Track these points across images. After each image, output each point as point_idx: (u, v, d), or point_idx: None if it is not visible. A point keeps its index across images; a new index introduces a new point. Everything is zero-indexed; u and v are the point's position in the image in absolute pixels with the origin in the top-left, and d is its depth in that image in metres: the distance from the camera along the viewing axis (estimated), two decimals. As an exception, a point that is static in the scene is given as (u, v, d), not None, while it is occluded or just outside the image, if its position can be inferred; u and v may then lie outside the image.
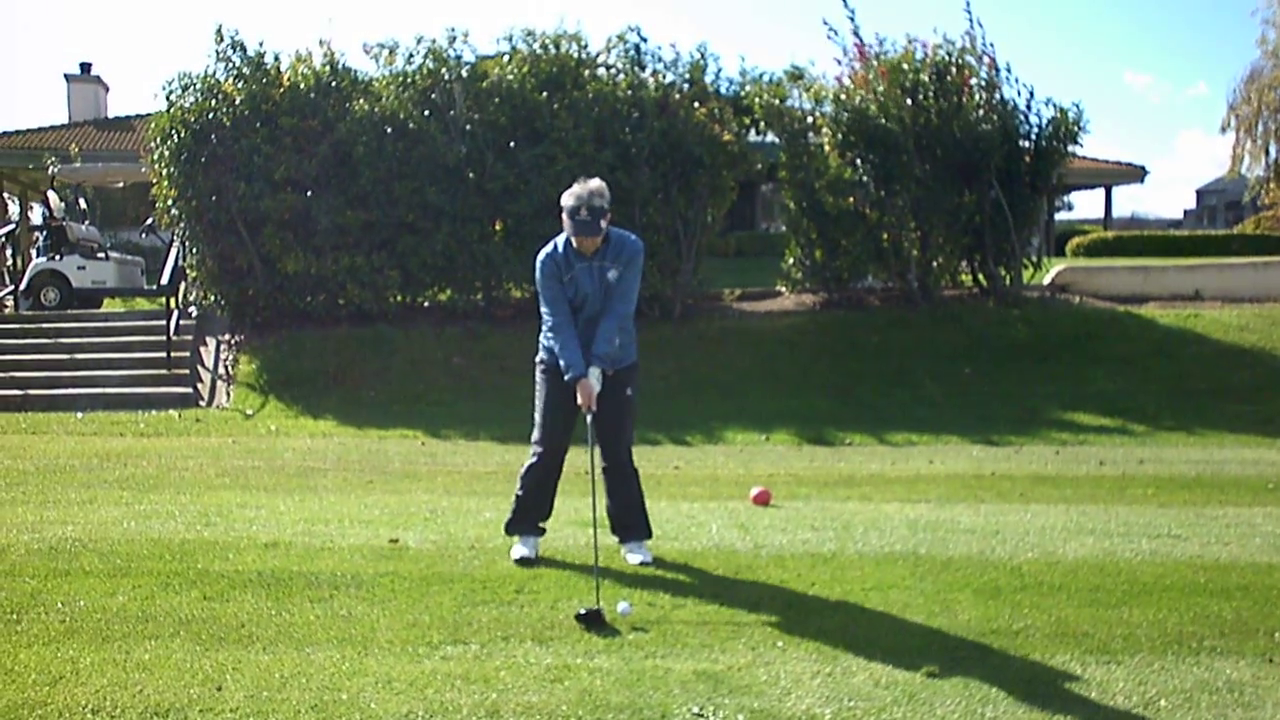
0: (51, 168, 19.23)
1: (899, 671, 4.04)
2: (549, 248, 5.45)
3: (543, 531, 5.73)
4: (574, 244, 5.35)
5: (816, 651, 4.26)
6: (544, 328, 5.50)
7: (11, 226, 21.24)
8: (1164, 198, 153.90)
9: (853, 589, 5.16)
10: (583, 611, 4.55)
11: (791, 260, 16.29)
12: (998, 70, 15.93)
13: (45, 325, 15.62)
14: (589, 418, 5.35)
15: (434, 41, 15.08)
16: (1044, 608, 4.86)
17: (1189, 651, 4.30)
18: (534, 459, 5.62)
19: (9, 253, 19.46)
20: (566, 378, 5.31)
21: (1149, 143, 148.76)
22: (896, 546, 6.07)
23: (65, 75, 30.78)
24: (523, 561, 5.52)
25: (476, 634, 4.43)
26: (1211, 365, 14.05)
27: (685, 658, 4.18)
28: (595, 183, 5.26)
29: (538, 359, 5.64)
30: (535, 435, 5.63)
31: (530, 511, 5.67)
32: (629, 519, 5.67)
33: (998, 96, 15.87)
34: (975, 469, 9.47)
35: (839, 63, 16.30)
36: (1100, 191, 33.95)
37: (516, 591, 5.02)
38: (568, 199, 5.27)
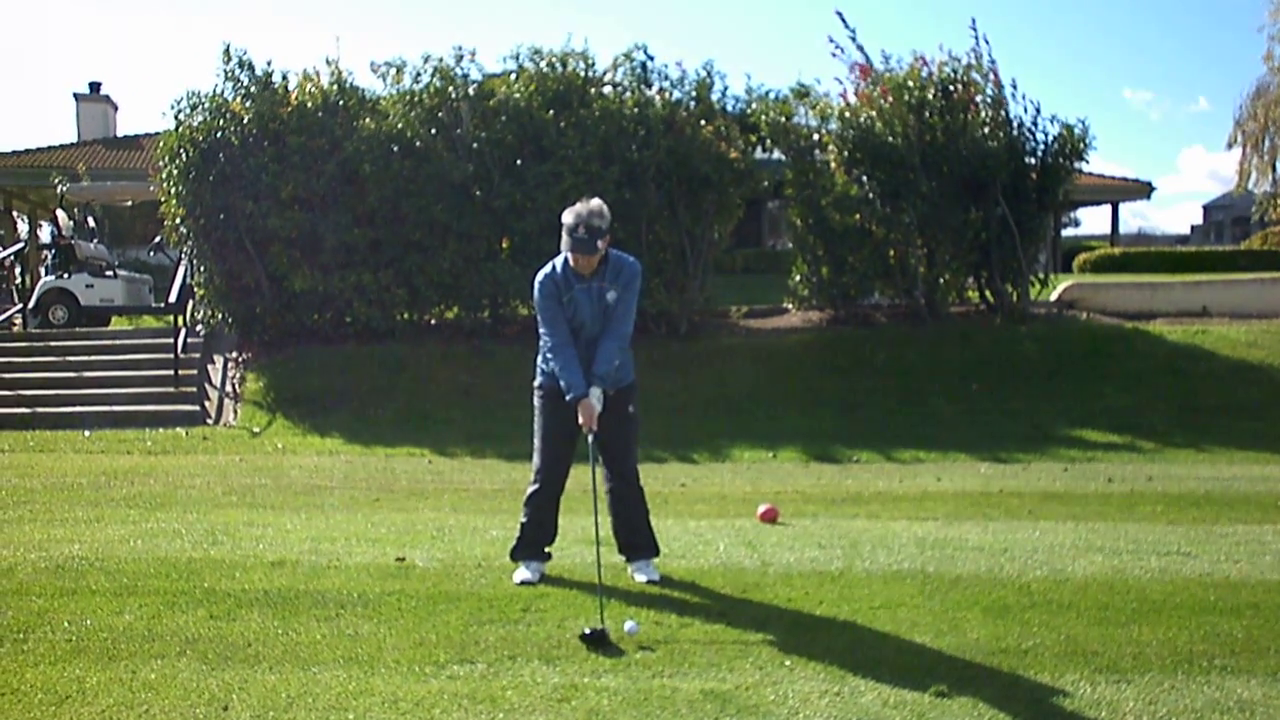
0: (60, 186, 19.33)
1: (907, 691, 4.02)
2: (547, 268, 5.45)
3: (548, 556, 5.70)
4: (572, 264, 5.35)
5: (824, 671, 4.24)
6: (542, 349, 5.50)
7: (20, 245, 21.32)
8: (1170, 214, 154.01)
9: (861, 607, 5.14)
10: (587, 632, 4.54)
11: (798, 277, 16.30)
12: (1003, 87, 15.95)
13: (53, 343, 15.66)
14: (590, 438, 5.34)
15: (441, 60, 15.15)
16: (1053, 626, 4.84)
17: (1199, 670, 4.28)
18: (535, 485, 5.62)
19: (17, 271, 19.53)
20: (568, 398, 5.30)
21: (1151, 159, 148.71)
22: (904, 564, 6.04)
23: (74, 94, 31.00)
24: (526, 584, 5.50)
25: (483, 653, 4.42)
26: (1220, 382, 14.00)
27: (693, 677, 4.17)
28: (595, 202, 5.29)
29: (536, 384, 5.63)
30: (536, 462, 5.63)
31: (535, 538, 5.64)
32: (636, 538, 5.65)
33: (1004, 113, 15.89)
34: (983, 486, 9.44)
35: (839, 81, 16.38)
36: (1106, 208, 33.95)
37: (523, 610, 5.01)
38: (567, 216, 5.28)
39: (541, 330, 5.47)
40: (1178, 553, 6.41)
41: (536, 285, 5.44)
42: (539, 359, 5.59)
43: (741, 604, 5.19)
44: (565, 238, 5.29)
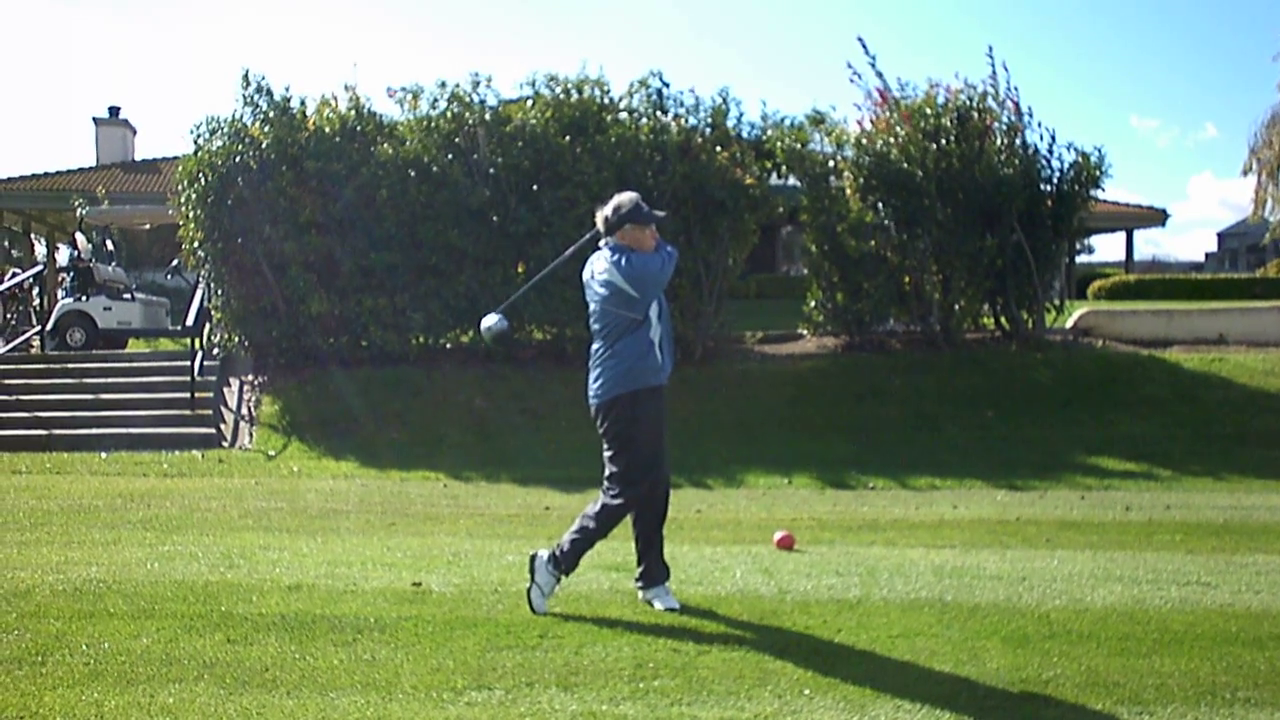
0: (79, 209, 19.51)
1: (928, 721, 3.99)
2: (630, 252, 5.43)
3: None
4: (644, 243, 5.43)
5: (844, 700, 4.21)
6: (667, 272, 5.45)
7: (39, 267, 21.48)
8: (1183, 241, 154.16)
9: (879, 636, 5.11)
10: None
11: (813, 303, 16.31)
12: (1022, 114, 15.97)
13: (70, 365, 15.73)
14: None
15: (458, 86, 15.26)
16: (1073, 656, 4.80)
17: (1222, 702, 4.23)
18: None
19: (36, 293, 19.66)
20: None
21: (1161, 186, 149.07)
22: (922, 593, 6.01)
23: (94, 118, 31.26)
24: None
25: (500, 680, 4.40)
26: (1237, 409, 13.93)
27: (711, 705, 4.14)
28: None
29: (644, 386, 5.42)
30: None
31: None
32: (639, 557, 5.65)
33: (1019, 141, 15.90)
34: (1000, 514, 9.39)
35: (859, 108, 16.43)
36: (1121, 235, 33.89)
37: (540, 636, 4.99)
38: (626, 200, 5.48)
39: (664, 270, 5.41)
40: (1198, 583, 6.36)
41: (648, 257, 5.38)
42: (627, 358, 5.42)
43: (759, 631, 5.17)
44: (632, 224, 5.40)
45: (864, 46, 16.26)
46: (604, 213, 5.50)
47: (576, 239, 15.19)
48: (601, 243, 5.53)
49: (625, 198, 5.52)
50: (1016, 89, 15.97)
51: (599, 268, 5.46)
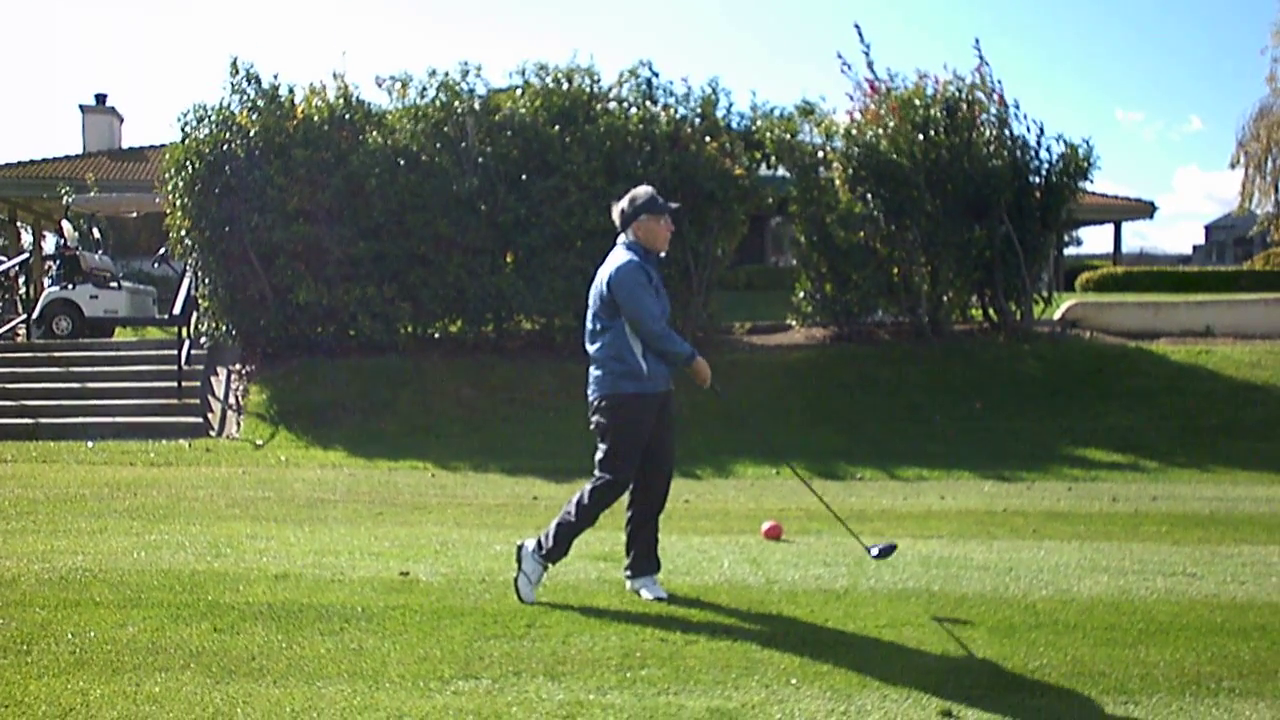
0: (66, 197, 19.37)
1: (914, 711, 3.99)
2: (628, 258, 5.35)
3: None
4: (657, 242, 5.45)
5: (830, 689, 4.22)
6: (647, 336, 5.29)
7: (25, 255, 21.35)
8: (1169, 233, 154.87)
9: (866, 626, 5.12)
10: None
11: (802, 294, 16.31)
12: (1007, 107, 15.99)
13: (57, 354, 15.66)
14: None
15: (447, 75, 15.20)
16: (1059, 646, 4.82)
17: (1207, 692, 4.25)
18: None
19: (22, 281, 19.55)
20: (696, 359, 5.50)
21: (1146, 179, 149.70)
22: (909, 583, 6.02)
23: (80, 106, 31.03)
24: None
25: (488, 669, 4.40)
26: (1223, 402, 13.99)
27: (698, 695, 4.15)
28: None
29: (620, 392, 5.40)
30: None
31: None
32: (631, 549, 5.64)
33: (1008, 132, 15.92)
34: (987, 505, 9.42)
35: (851, 98, 16.42)
36: (1109, 227, 33.98)
37: (528, 626, 4.99)
38: (642, 193, 5.48)
39: (645, 322, 5.27)
40: (1183, 573, 6.40)
41: (629, 276, 5.28)
42: (629, 358, 5.37)
43: (747, 621, 5.18)
44: (647, 214, 5.41)
45: (860, 34, 16.29)
46: (620, 206, 5.50)
47: (565, 229, 15.16)
48: (619, 239, 5.51)
49: (640, 190, 5.52)
50: (1000, 81, 16.02)
51: (609, 263, 5.47)
